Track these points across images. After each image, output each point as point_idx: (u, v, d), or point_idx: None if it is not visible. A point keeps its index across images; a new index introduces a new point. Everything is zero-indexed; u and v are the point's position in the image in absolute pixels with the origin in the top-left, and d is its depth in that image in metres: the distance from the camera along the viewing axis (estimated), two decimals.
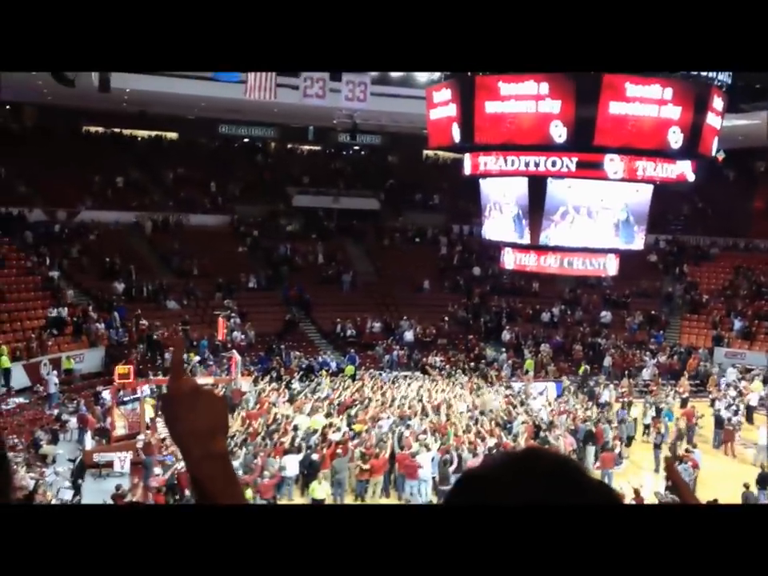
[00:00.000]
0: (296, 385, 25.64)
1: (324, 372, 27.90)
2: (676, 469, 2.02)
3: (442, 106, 16.43)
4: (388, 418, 20.92)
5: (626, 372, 30.01)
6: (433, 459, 18.11)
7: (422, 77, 25.15)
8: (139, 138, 41.70)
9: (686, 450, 20.08)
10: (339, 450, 18.12)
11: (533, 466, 1.11)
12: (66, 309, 28.24)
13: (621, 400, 26.32)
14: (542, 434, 20.06)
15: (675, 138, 14.71)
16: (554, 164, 15.36)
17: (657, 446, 21.55)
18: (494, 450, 18.31)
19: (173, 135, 42.31)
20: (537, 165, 15.52)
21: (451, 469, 17.60)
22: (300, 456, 18.01)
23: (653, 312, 35.85)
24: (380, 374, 28.22)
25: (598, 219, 16.11)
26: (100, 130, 40.71)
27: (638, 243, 16.87)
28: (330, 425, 20.00)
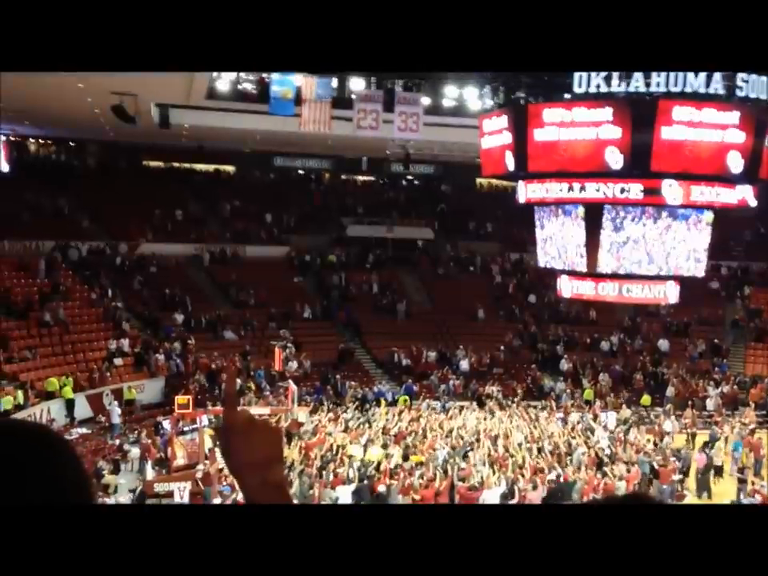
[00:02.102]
0: (351, 414, 25.63)
1: (382, 401, 27.86)
2: None
3: (495, 134, 16.44)
4: (442, 448, 20.74)
5: (690, 402, 29.22)
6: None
7: (474, 105, 25.17)
8: (197, 172, 42.67)
9: (752, 483, 19.43)
10: (395, 481, 17.99)
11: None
12: (127, 340, 28.85)
13: (684, 431, 25.61)
14: (604, 466, 19.63)
15: (735, 163, 14.45)
16: (610, 191, 15.20)
17: (741, 481, 20.65)
18: (555, 482, 18.00)
19: (230, 168, 43.19)
20: (594, 191, 15.37)
21: (513, 502, 17.28)
22: (352, 486, 17.92)
23: (715, 340, 34.96)
24: (436, 405, 28.01)
25: (657, 246, 15.85)
26: (160, 164, 41.82)
27: (699, 270, 16.53)
28: (387, 455, 19.90)
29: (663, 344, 34.58)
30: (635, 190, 15.08)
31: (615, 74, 14.14)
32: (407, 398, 28.82)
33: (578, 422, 25.44)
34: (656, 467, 20.15)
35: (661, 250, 15.86)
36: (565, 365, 33.00)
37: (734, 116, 14.33)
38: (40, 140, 41.36)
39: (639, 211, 15.67)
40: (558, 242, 17.11)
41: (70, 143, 41.74)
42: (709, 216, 16.06)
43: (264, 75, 25.03)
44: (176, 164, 41.88)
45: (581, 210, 16.15)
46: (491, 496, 17.49)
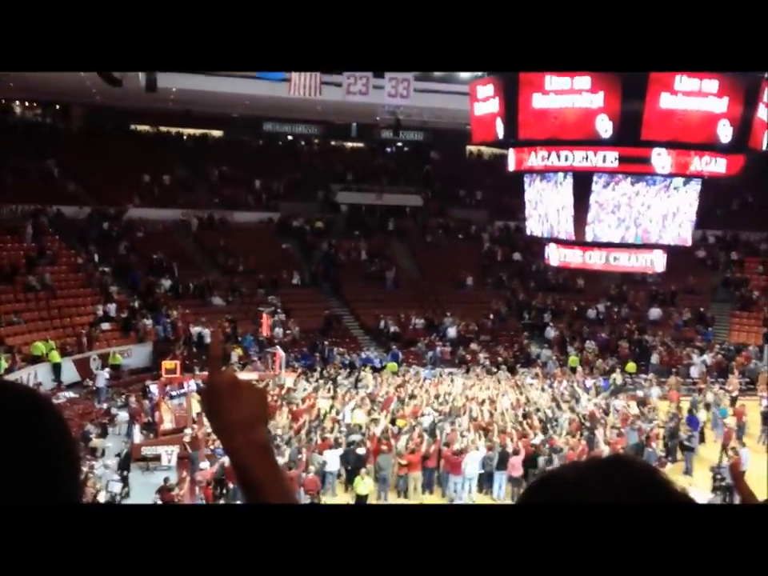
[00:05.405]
0: (339, 380, 25.76)
1: (367, 368, 28.00)
2: (741, 475, 1.93)
3: (486, 101, 16.31)
4: (429, 414, 20.90)
5: (674, 370, 29.52)
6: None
7: (464, 72, 25.03)
8: (185, 137, 42.24)
9: (733, 449, 19.71)
10: (384, 447, 18.15)
11: (618, 473, 1.06)
12: (114, 305, 28.78)
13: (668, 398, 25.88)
14: (586, 432, 19.86)
15: (724, 132, 14.41)
16: (599, 159, 15.16)
17: (688, 448, 20.88)
18: (540, 447, 18.24)
19: (218, 133, 42.80)
20: (582, 160, 15.33)
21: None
22: (340, 450, 18.08)
23: (701, 309, 35.24)
24: (423, 371, 28.19)
25: (644, 214, 15.85)
26: (147, 128, 41.35)
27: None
28: (373, 420, 20.04)
29: (654, 312, 34.78)
30: (624, 158, 15.04)
31: None
32: (395, 364, 28.99)
33: (565, 389, 25.68)
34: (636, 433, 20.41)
35: (651, 219, 15.84)
36: (551, 332, 33.21)
37: (725, 85, 14.27)
38: (25, 102, 40.81)
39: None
40: (542, 209, 17.09)
41: (56, 106, 41.20)
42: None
43: None
44: (164, 128, 41.43)
45: (561, 175, 16.12)
46: (471, 459, 17.75)
